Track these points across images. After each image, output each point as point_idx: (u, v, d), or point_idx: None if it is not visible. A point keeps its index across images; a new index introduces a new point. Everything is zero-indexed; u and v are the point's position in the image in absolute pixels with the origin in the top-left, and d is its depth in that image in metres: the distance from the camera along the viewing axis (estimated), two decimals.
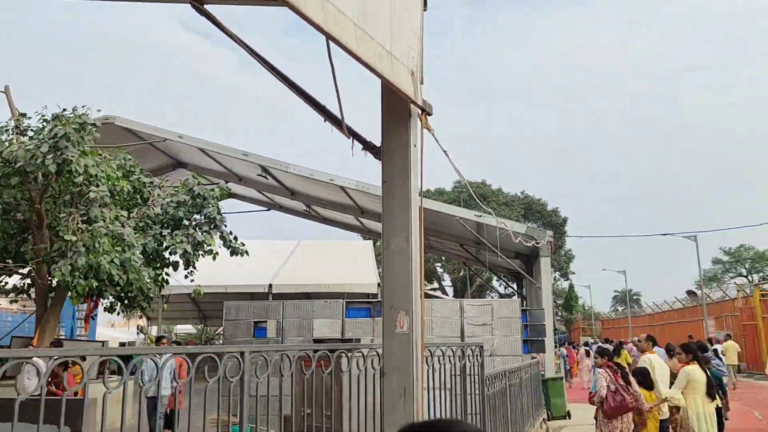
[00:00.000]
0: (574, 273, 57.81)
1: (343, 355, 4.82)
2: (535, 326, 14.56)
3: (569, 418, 13.80)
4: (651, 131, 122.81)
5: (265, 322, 12.48)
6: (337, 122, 4.18)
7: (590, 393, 7.81)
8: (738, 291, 28.63)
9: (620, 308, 66.88)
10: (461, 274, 47.08)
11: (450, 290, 51.65)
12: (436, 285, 55.47)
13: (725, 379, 12.04)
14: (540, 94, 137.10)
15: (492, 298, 56.26)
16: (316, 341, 11.28)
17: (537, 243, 17.11)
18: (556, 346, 31.44)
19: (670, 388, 7.69)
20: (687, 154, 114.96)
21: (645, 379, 7.55)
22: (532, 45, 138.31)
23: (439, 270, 53.76)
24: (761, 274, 50.40)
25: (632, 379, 7.46)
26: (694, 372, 7.48)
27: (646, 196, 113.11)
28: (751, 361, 26.15)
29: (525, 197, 54.46)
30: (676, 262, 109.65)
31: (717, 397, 7.61)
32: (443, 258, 45.09)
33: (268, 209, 24.55)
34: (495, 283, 50.93)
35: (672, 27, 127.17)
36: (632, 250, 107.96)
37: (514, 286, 56.77)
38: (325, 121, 4.19)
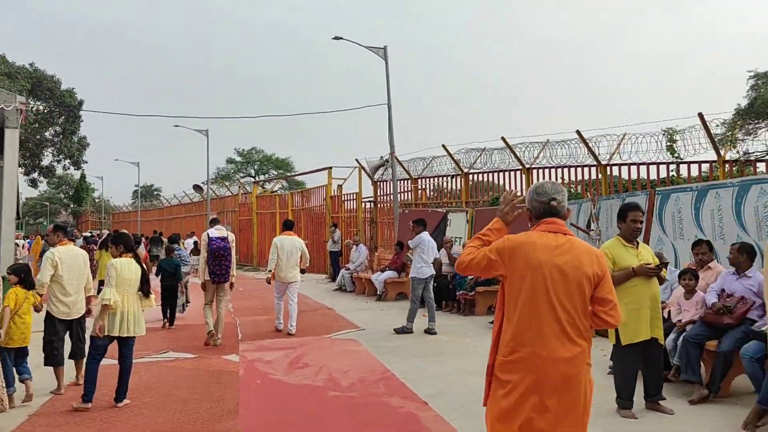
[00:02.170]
0: (87, 162, 52.75)
1: None
2: None
3: None
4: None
5: None
6: None
7: None
8: (239, 188, 29.65)
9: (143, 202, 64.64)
10: None
11: None
12: None
13: (186, 268, 12.51)
14: None
15: None
16: None
17: None
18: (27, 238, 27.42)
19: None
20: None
21: (27, 277, 6.47)
22: None
23: None
24: (267, 175, 55.00)
25: None
26: (122, 264, 6.16)
27: (161, 88, 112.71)
28: (243, 253, 27.56)
29: (35, 71, 46.02)
30: (194, 156, 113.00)
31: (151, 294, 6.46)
32: None
33: None
34: None
35: None
36: (152, 142, 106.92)
37: None
38: None
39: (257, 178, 51.40)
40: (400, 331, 9.89)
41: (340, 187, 21.19)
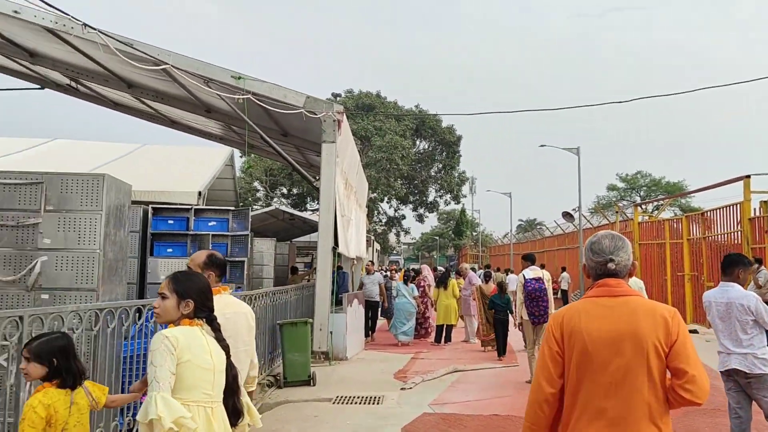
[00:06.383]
0: (465, 196, 53.13)
1: None
2: (240, 238, 9.00)
3: (313, 384, 9.05)
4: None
5: None
6: None
7: None
8: (617, 214, 24.26)
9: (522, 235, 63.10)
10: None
11: None
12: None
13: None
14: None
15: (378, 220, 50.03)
16: None
17: (313, 114, 11.46)
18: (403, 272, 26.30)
19: None
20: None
21: (64, 362, 3.10)
22: None
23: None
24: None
25: None
26: (190, 339, 2.74)
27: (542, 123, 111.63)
28: None
29: (419, 112, 48.50)
30: (567, 181, 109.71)
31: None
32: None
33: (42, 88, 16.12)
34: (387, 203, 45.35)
35: None
36: (525, 174, 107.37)
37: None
38: None
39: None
40: None
41: (765, 204, 14.37)
